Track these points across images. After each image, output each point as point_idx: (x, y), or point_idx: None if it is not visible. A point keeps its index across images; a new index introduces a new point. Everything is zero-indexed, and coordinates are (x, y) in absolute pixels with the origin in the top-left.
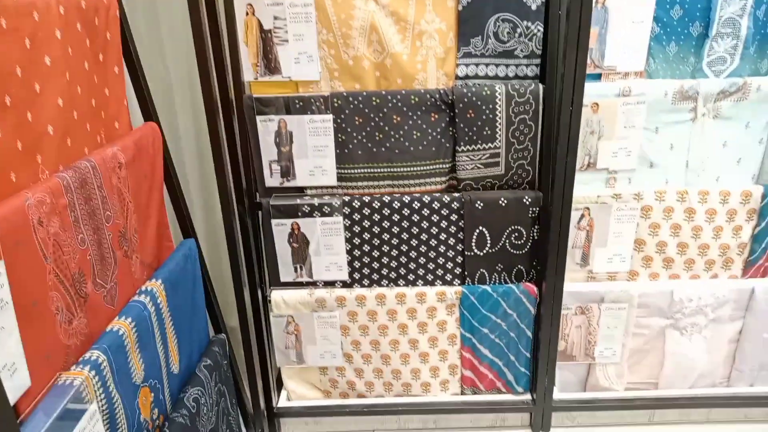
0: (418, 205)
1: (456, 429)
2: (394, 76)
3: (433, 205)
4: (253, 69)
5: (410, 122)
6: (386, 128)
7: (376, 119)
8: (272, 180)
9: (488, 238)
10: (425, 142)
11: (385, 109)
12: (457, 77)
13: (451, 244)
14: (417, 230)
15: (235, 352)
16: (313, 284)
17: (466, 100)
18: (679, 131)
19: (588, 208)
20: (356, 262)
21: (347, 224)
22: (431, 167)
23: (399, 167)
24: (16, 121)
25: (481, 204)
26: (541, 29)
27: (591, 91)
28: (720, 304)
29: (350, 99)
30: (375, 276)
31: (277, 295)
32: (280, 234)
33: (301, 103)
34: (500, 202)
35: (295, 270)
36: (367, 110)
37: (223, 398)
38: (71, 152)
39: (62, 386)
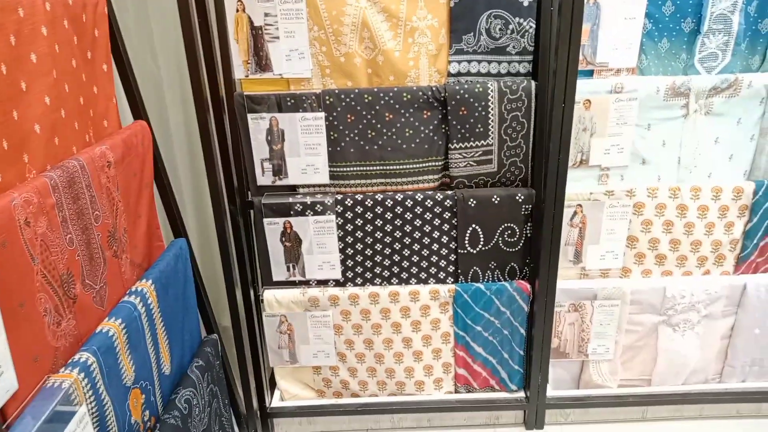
0: (411, 203)
1: (450, 427)
2: (386, 73)
3: (426, 203)
4: (244, 66)
5: (403, 120)
6: (378, 126)
7: (369, 117)
8: (264, 178)
9: (481, 236)
10: (418, 140)
11: (377, 107)
12: (450, 74)
13: (444, 242)
14: (410, 228)
15: (227, 352)
16: (306, 283)
17: (458, 97)
18: (671, 128)
19: (581, 205)
20: (349, 260)
21: (340, 223)
22: (424, 165)
23: (392, 165)
24: (1, 119)
25: (474, 201)
26: (533, 26)
27: (583, 87)
28: (712, 301)
29: (342, 96)
30: (368, 275)
31: (269, 295)
32: (273, 233)
33: (292, 101)
34: (493, 199)
35: (288, 269)
36: (359, 108)
37: (215, 399)
38: (59, 151)
39: (51, 389)
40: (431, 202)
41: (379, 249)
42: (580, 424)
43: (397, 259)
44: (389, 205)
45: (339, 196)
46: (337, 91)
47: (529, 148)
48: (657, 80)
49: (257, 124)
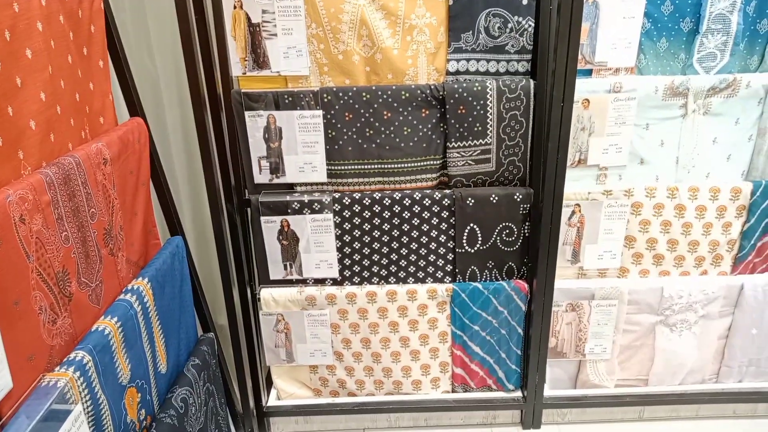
0: (409, 201)
1: (447, 426)
2: (385, 71)
3: (424, 202)
4: (242, 63)
5: (401, 118)
6: (376, 124)
7: (366, 115)
8: (261, 176)
9: (479, 235)
10: (416, 139)
11: (375, 105)
12: (448, 72)
13: (442, 241)
14: (408, 227)
15: (224, 350)
16: (303, 282)
17: (456, 96)
18: (669, 127)
19: (579, 205)
20: (346, 259)
21: (337, 221)
22: (422, 164)
23: (389, 164)
24: None
25: (472, 201)
26: (532, 24)
27: (582, 87)
28: (709, 301)
29: (340, 94)
30: (365, 273)
31: (266, 293)
32: (270, 231)
33: (290, 99)
34: (491, 198)
35: (285, 268)
36: (357, 106)
37: (211, 398)
38: (54, 148)
39: (46, 387)
40: (429, 201)
41: (376, 248)
42: (577, 424)
43: (394, 258)
44: (387, 203)
45: (336, 195)
46: (335, 89)
47: (527, 147)
48: (655, 80)
49: (254, 122)
